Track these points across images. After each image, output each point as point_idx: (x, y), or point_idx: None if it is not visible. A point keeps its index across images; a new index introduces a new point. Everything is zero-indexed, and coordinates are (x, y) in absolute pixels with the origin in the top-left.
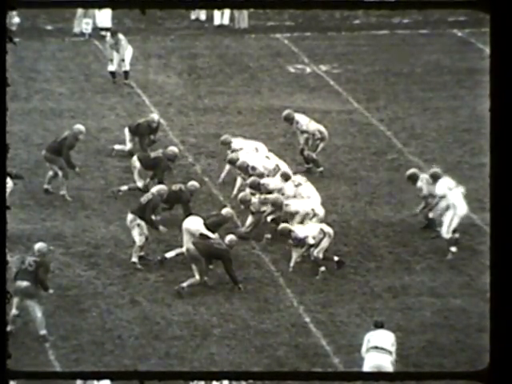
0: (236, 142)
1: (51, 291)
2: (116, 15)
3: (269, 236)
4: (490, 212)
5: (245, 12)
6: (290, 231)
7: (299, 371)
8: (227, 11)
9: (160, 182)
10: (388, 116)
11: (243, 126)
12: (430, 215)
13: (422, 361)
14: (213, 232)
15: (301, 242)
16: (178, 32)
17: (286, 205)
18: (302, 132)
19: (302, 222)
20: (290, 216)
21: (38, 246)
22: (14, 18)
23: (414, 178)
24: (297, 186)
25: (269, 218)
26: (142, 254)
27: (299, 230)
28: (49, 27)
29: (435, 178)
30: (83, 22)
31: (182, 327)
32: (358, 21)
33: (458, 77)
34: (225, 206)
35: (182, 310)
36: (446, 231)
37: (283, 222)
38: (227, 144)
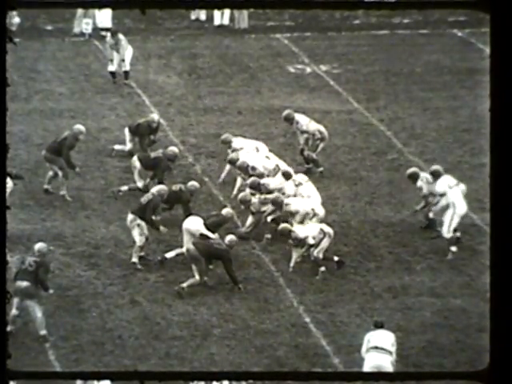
0: (236, 142)
1: (51, 291)
2: (116, 15)
3: (269, 236)
4: (490, 212)
5: (245, 12)
6: (290, 231)
7: (299, 371)
8: (227, 11)
9: (160, 182)
10: (388, 116)
11: (243, 126)
12: (431, 215)
13: (421, 361)
14: (213, 232)
15: (301, 242)
16: (177, 32)
17: (287, 204)
18: (302, 132)
19: (302, 222)
20: (290, 215)
21: (38, 246)
22: (14, 18)
23: (414, 177)
24: (297, 185)
25: (269, 218)
26: (142, 254)
27: (299, 230)
28: (49, 27)
29: (436, 175)
30: (83, 22)
31: (182, 327)
32: (358, 21)
33: (458, 77)
34: (225, 206)
35: (182, 310)
36: (446, 230)
37: (283, 221)
38: (227, 143)
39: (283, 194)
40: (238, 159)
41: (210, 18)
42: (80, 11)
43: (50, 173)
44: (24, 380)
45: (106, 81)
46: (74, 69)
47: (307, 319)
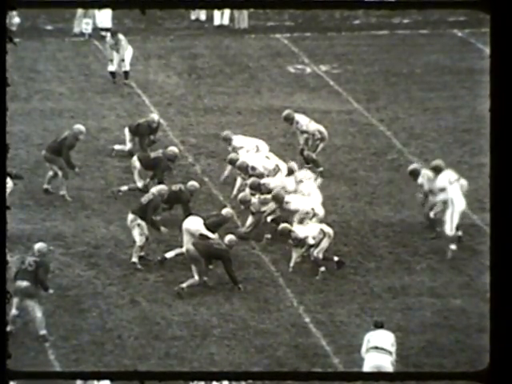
0: (237, 140)
1: (51, 291)
2: (116, 15)
3: (269, 236)
4: (490, 212)
5: (245, 12)
6: (290, 231)
7: (299, 371)
8: (227, 11)
9: (160, 182)
10: (388, 116)
11: (243, 126)
12: (431, 215)
13: (421, 361)
14: (213, 232)
15: (301, 242)
16: (177, 32)
17: (287, 202)
18: (302, 132)
19: (301, 222)
20: (290, 214)
21: (38, 246)
22: (14, 18)
23: (415, 174)
24: (298, 182)
25: (269, 218)
26: (142, 254)
27: (299, 230)
28: (49, 27)
29: (437, 170)
30: (83, 22)
31: (182, 327)
32: (358, 21)
33: (458, 77)
34: (225, 206)
35: (182, 310)
36: (449, 228)
37: (283, 221)
38: (228, 140)
39: (285, 191)
40: (237, 159)
41: (210, 18)
42: (80, 11)
43: (50, 173)
44: (24, 380)
45: (105, 81)
46: (73, 69)
47: (307, 319)
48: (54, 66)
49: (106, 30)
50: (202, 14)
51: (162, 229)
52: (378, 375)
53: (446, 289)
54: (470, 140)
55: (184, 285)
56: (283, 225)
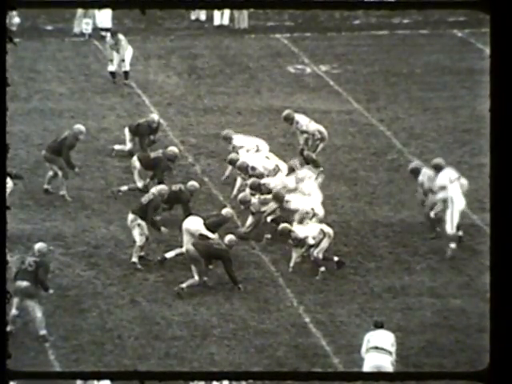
0: (237, 139)
1: (51, 291)
2: (116, 15)
3: (269, 236)
4: (490, 212)
5: (245, 12)
6: (290, 231)
7: (299, 371)
8: (227, 11)
9: (160, 182)
10: (388, 116)
11: (243, 126)
12: (432, 215)
13: (421, 361)
14: (213, 232)
15: (301, 242)
16: (177, 32)
17: (287, 201)
18: (302, 132)
19: (301, 222)
20: (290, 213)
21: (38, 246)
22: (14, 18)
23: (415, 172)
24: (299, 181)
25: (269, 218)
26: (142, 254)
27: (299, 230)
28: (49, 27)
29: (438, 168)
30: (83, 22)
31: (182, 327)
32: (358, 21)
33: (458, 77)
34: (225, 206)
35: (182, 310)
36: (450, 227)
37: (283, 221)
38: (228, 139)
39: (285, 189)
40: (237, 159)
41: (210, 18)
42: (80, 11)
43: (50, 173)
44: (24, 380)
45: (105, 81)
46: (73, 69)
47: (307, 319)
48: (54, 66)
49: (106, 29)
50: (202, 14)
51: (163, 229)
52: (378, 375)
53: (446, 289)
54: (470, 140)
55: (184, 285)
56: (283, 225)
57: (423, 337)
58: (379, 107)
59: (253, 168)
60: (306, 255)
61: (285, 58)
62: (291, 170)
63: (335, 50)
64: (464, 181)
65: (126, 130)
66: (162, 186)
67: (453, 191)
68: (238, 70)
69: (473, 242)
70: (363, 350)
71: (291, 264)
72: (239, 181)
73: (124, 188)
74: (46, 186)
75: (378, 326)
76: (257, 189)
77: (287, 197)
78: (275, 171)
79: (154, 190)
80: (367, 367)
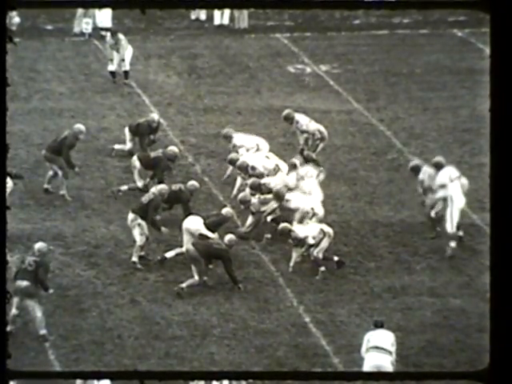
0: (237, 138)
1: (51, 291)
2: (116, 15)
3: (269, 236)
4: (490, 212)
5: (245, 12)
6: (290, 231)
7: (299, 371)
8: (227, 11)
9: (160, 182)
10: (388, 116)
11: (243, 125)
12: (432, 214)
13: (422, 361)
14: (213, 232)
15: (301, 242)
16: (177, 32)
17: (287, 200)
18: (302, 132)
19: (301, 222)
20: (290, 212)
21: (38, 245)
22: (14, 18)
23: (416, 170)
24: (299, 179)
25: (269, 218)
26: (143, 253)
27: (299, 229)
28: (49, 27)
29: (438, 166)
30: (83, 22)
31: (182, 327)
32: (358, 21)
33: (458, 77)
34: (225, 206)
35: (182, 310)
36: (450, 226)
37: (283, 221)
38: (228, 138)
39: (287, 188)
40: (237, 159)
41: (210, 18)
42: (80, 11)
43: (50, 172)
44: (24, 380)
45: (105, 81)
46: (73, 69)
47: (307, 319)
48: (54, 66)
49: (106, 29)
50: (202, 14)
51: (163, 229)
52: (378, 375)
53: (446, 289)
54: (470, 140)
55: (184, 285)
56: (283, 225)
57: (423, 337)
58: (379, 107)
59: (253, 168)
60: (305, 255)
61: (285, 57)
62: (293, 167)
63: (335, 49)
64: (464, 180)
65: (126, 130)
66: (162, 186)
67: (453, 190)
68: (238, 70)
69: (473, 242)
70: (363, 349)
71: (291, 264)
72: (239, 181)
73: (124, 188)
74: (45, 186)
75: (378, 325)
76: (257, 189)
77: (287, 195)
78: (275, 171)
79: (155, 189)
80: (367, 367)
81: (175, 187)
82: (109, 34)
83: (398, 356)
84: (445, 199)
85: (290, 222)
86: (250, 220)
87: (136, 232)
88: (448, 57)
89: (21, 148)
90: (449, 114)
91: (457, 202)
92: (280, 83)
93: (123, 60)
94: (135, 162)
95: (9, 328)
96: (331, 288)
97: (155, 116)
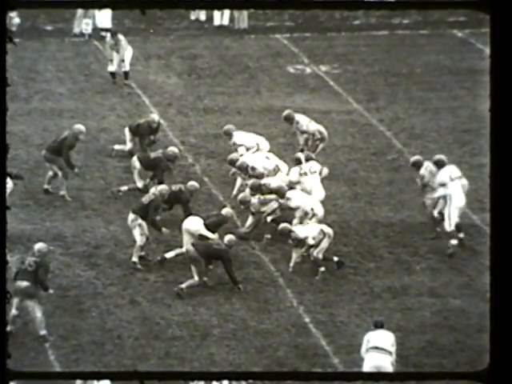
0: (237, 136)
1: (51, 291)
2: (116, 15)
3: (269, 236)
4: (490, 212)
5: (245, 12)
6: (290, 231)
7: (299, 371)
8: (227, 11)
9: (160, 183)
10: (388, 116)
11: (243, 126)
12: (435, 214)
13: (421, 361)
14: (213, 232)
15: (301, 243)
16: (177, 32)
17: (288, 198)
18: (302, 132)
19: (301, 222)
20: (290, 211)
21: (38, 246)
22: (14, 18)
23: (417, 165)
24: (301, 174)
25: (269, 218)
26: (143, 253)
27: (299, 230)
28: (49, 27)
29: (439, 165)
30: (83, 23)
31: (182, 327)
32: (358, 21)
33: (458, 77)
34: (225, 206)
35: (182, 310)
36: (448, 224)
37: (283, 221)
38: (229, 135)
39: (289, 187)
40: (237, 159)
41: (210, 19)
42: (80, 11)
43: (50, 173)
44: (24, 380)
45: (105, 81)
46: (73, 69)
47: (307, 319)
48: (54, 66)
49: (106, 30)
50: (202, 14)
51: (164, 230)
52: (378, 375)
53: (446, 289)
54: (470, 140)
55: (184, 285)
56: (283, 225)
57: (423, 337)
58: (379, 107)
59: (253, 168)
60: (305, 255)
61: (284, 58)
62: (298, 162)
63: (335, 50)
64: (464, 181)
65: (126, 130)
66: (162, 186)
67: (453, 189)
68: (238, 71)
69: (473, 242)
70: (363, 349)
71: (291, 264)
72: (239, 181)
73: (124, 188)
74: (45, 186)
75: (378, 325)
76: (257, 189)
77: (288, 194)
78: (275, 171)
79: (155, 190)
80: (367, 367)
81: (175, 188)
82: (109, 34)
83: (398, 356)
84: (444, 198)
85: (290, 222)
86: (249, 220)
87: (136, 232)
88: (448, 57)
89: (21, 148)
90: (449, 115)
91: (456, 202)
92: (280, 83)
93: (123, 60)
94: (135, 162)
95: (9, 328)
96: (331, 288)
97: (155, 116)
